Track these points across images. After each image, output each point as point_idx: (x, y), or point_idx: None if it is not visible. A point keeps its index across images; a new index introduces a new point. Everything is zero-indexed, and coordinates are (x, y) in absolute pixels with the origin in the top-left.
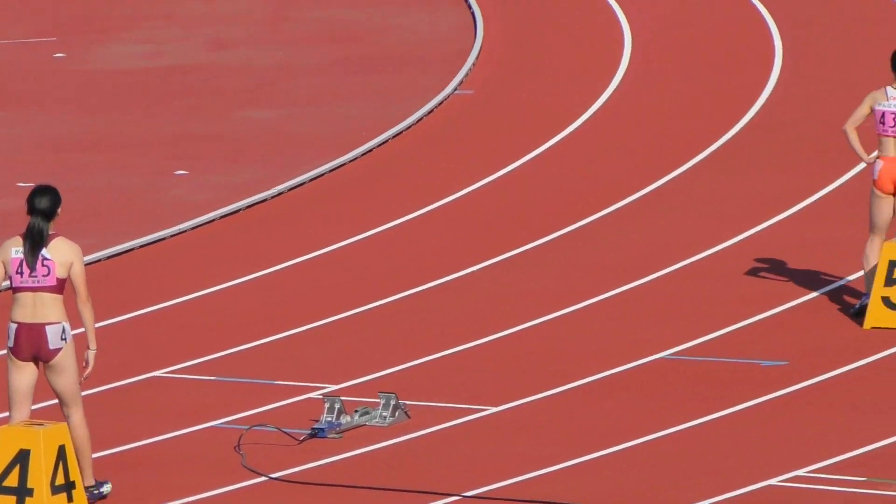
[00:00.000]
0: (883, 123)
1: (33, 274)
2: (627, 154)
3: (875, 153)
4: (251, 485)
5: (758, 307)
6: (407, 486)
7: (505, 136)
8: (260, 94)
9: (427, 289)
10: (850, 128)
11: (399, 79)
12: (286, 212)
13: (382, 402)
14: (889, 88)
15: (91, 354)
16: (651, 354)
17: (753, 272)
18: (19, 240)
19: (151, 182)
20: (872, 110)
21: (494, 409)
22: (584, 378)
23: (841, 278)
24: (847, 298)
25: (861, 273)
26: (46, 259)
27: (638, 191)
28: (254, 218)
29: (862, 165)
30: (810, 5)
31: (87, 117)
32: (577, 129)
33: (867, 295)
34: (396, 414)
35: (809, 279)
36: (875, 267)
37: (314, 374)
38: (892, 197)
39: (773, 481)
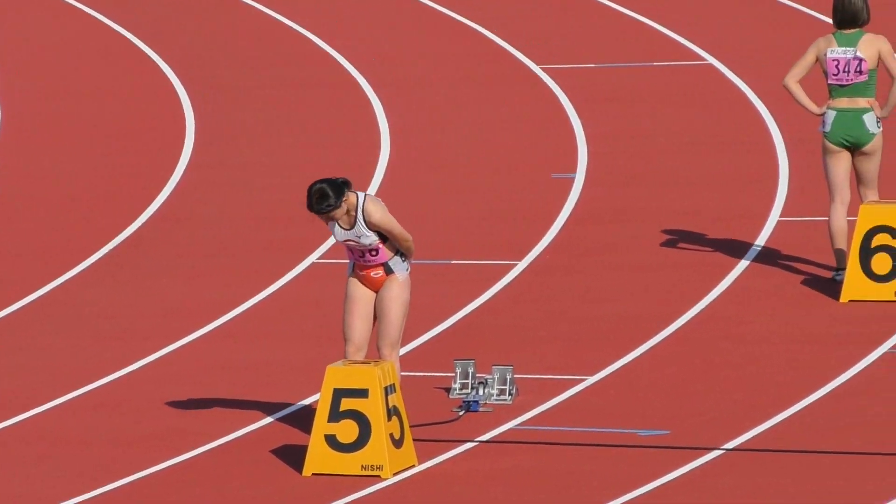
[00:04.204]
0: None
1: None
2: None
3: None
4: None
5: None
6: None
7: None
8: None
9: None
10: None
11: None
12: None
13: None
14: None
15: None
16: None
17: (157, 405)
18: None
19: None
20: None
21: None
22: None
23: (291, 403)
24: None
25: None
26: None
27: (13, 303)
28: None
29: None
30: (222, 67)
31: None
32: None
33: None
34: None
35: (258, 409)
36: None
37: None
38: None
39: None
